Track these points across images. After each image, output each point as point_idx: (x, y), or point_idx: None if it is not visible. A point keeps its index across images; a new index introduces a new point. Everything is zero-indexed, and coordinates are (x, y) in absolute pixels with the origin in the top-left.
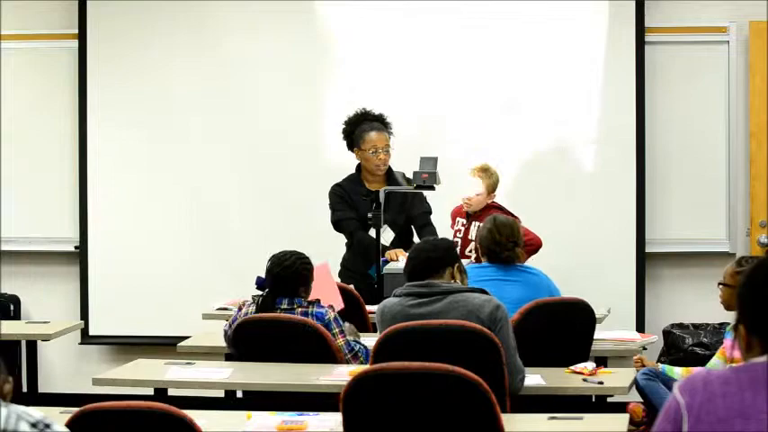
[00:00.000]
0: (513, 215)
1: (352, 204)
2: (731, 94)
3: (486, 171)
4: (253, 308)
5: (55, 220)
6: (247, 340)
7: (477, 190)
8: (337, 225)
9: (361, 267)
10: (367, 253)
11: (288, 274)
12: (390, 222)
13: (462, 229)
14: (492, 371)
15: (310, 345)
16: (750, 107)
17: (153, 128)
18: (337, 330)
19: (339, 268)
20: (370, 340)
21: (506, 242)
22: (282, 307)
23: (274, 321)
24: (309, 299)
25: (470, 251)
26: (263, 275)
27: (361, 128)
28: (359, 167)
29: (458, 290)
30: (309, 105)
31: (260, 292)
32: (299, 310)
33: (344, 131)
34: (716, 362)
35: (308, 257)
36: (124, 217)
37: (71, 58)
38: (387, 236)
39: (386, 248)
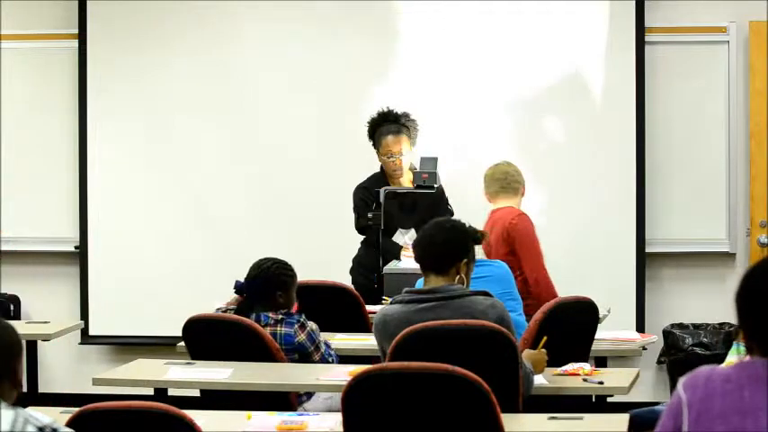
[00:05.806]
0: None
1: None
2: (731, 95)
3: None
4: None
5: (55, 220)
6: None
7: None
8: (363, 231)
9: (374, 263)
10: (392, 255)
11: (262, 278)
12: (419, 223)
13: None
14: (510, 371)
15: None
16: (750, 107)
17: (153, 128)
18: (312, 349)
19: (351, 264)
20: (369, 341)
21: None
22: (257, 320)
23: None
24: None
25: None
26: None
27: (379, 131)
28: (383, 167)
29: (462, 294)
30: (310, 105)
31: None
32: (269, 329)
33: (368, 132)
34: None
35: (289, 264)
36: (124, 217)
37: (71, 58)
38: (410, 237)
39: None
